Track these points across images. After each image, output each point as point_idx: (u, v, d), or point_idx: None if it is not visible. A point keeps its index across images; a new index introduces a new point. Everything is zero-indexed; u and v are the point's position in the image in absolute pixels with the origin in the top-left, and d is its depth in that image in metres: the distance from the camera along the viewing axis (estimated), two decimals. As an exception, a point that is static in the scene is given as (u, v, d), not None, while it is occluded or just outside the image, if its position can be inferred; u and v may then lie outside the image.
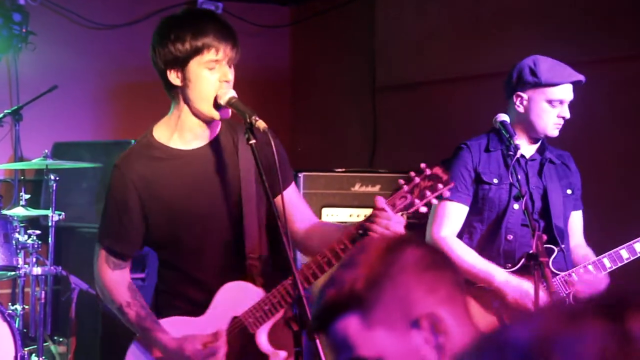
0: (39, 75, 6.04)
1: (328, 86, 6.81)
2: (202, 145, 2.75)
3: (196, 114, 2.69)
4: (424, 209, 2.54)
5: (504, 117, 3.42)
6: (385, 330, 1.32)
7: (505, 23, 5.24)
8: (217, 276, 2.75)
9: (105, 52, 6.50)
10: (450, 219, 3.52)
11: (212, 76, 2.62)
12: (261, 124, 2.49)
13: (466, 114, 5.38)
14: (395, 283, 1.34)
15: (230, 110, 2.65)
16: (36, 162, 4.83)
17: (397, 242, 1.42)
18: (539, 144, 3.59)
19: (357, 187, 4.89)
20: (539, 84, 3.44)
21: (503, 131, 3.36)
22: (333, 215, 4.85)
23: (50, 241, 4.71)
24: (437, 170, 2.51)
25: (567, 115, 3.47)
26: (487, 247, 3.53)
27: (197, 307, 2.75)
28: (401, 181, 2.54)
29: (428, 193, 2.51)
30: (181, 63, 2.61)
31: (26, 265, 4.60)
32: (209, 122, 2.72)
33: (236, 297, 2.72)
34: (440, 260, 1.42)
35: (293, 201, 2.83)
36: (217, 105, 2.64)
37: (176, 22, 2.67)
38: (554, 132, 3.50)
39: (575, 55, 4.76)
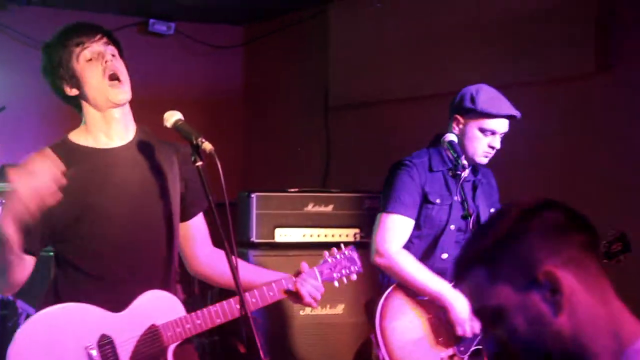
0: (-13, 96, 5.95)
1: (281, 105, 6.80)
2: (117, 145, 2.77)
3: (100, 107, 2.73)
4: (336, 284, 2.99)
5: (451, 137, 3.47)
6: (508, 285, 1.47)
7: (457, 44, 5.28)
8: (125, 275, 2.70)
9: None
10: (397, 231, 3.56)
11: (94, 68, 2.69)
12: (207, 146, 2.49)
13: (418, 133, 5.37)
14: (521, 243, 1.48)
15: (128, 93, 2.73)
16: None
17: (533, 205, 1.54)
18: (471, 166, 3.64)
19: (310, 207, 4.88)
20: (474, 112, 3.53)
21: (451, 151, 3.40)
22: (286, 235, 4.82)
23: (-3, 265, 4.62)
24: (354, 254, 3.03)
25: (497, 146, 3.57)
26: (422, 263, 3.58)
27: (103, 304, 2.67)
28: (326, 253, 2.99)
29: (343, 272, 2.99)
30: (68, 73, 2.70)
31: (-28, 291, 4.50)
32: (114, 117, 2.75)
33: (159, 306, 2.71)
34: (573, 223, 1.52)
35: (201, 226, 2.95)
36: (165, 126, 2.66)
37: (51, 40, 2.77)
38: (482, 159, 3.60)
39: (526, 75, 4.81)
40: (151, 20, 6.65)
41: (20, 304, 4.35)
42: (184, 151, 2.77)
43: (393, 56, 5.75)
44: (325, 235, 4.86)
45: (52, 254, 5.27)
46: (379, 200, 4.93)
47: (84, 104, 2.75)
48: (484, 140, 3.55)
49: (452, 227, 3.54)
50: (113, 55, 2.73)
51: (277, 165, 6.63)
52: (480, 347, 3.49)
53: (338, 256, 2.99)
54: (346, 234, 4.87)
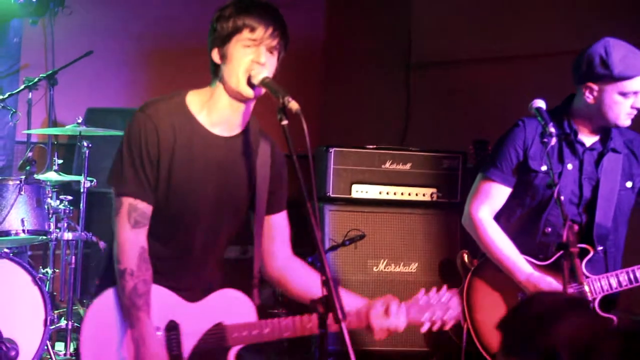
0: (74, 40, 6.08)
1: (362, 61, 6.77)
2: (226, 135, 2.76)
3: (229, 92, 2.70)
4: (424, 328, 2.72)
5: (539, 103, 3.31)
6: None
7: (541, 4, 5.18)
8: (182, 253, 2.76)
9: (141, 19, 6.51)
10: (491, 198, 3.50)
11: (246, 55, 2.65)
12: (294, 105, 2.48)
13: (499, 94, 5.34)
14: None
15: (262, 90, 2.67)
16: (69, 128, 4.87)
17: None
18: (601, 134, 3.45)
19: (387, 165, 4.88)
20: (611, 77, 3.27)
21: (539, 118, 3.27)
22: (363, 191, 4.85)
23: (81, 207, 4.76)
24: (451, 301, 2.72)
25: None
26: (524, 235, 3.50)
27: (170, 277, 2.72)
28: (421, 293, 2.73)
29: (435, 317, 2.71)
30: (223, 41, 2.66)
31: (57, 230, 4.66)
32: (241, 101, 2.72)
33: (231, 306, 2.73)
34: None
35: (282, 227, 2.91)
36: (250, 84, 2.66)
37: (230, 5, 2.71)
38: (625, 122, 3.37)
39: (615, 36, 4.68)
40: (236, -30, 6.67)
41: (103, 244, 4.49)
42: (279, 153, 2.81)
43: (477, 15, 5.67)
44: (402, 194, 4.86)
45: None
46: (457, 160, 4.94)
47: (219, 78, 2.71)
48: (626, 102, 3.30)
49: (562, 197, 3.19)
50: (271, 52, 2.68)
51: (356, 121, 6.63)
52: None
53: (432, 300, 2.72)
54: (423, 193, 4.87)
